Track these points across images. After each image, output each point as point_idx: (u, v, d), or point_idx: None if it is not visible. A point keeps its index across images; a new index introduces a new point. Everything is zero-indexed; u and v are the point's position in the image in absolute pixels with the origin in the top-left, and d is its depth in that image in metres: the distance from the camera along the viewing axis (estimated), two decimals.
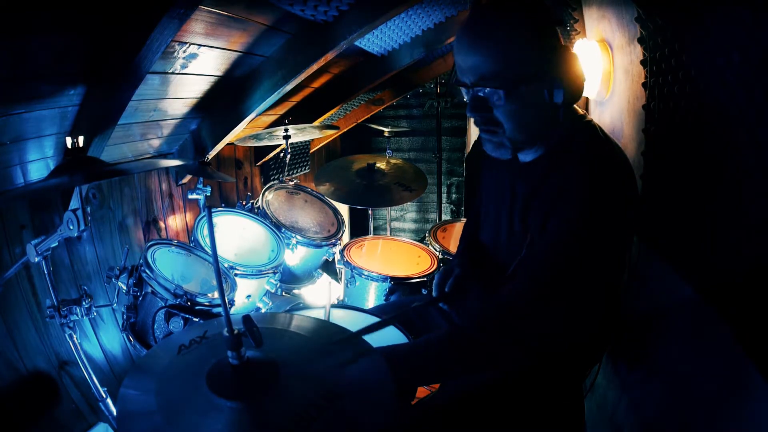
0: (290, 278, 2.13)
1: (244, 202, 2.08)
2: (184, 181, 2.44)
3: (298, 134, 2.36)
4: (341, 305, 1.49)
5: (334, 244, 2.15)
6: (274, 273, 1.79)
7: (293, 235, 2.00)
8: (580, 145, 0.95)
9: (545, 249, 0.93)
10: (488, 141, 0.98)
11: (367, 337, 0.83)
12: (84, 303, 1.30)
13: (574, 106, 1.02)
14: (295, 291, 2.18)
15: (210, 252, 1.05)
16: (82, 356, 1.31)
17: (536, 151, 1.02)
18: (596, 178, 0.90)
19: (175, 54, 1.53)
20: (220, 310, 1.41)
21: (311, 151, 3.50)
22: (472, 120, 0.99)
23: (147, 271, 1.38)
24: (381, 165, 2.46)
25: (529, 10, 0.88)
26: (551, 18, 0.91)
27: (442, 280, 1.19)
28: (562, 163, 0.95)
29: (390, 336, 1.30)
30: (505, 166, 1.10)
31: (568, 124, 0.98)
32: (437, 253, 2.12)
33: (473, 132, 3.65)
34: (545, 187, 0.97)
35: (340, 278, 2.08)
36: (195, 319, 1.31)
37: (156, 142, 2.10)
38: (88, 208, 1.23)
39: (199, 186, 1.96)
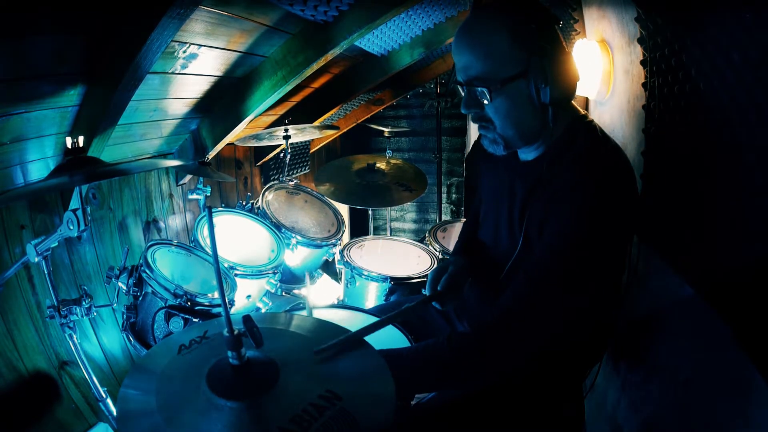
0: (290, 278, 2.13)
1: (244, 203, 2.07)
2: (184, 181, 2.44)
3: (298, 134, 2.36)
4: (340, 305, 1.48)
5: (334, 244, 2.15)
6: (275, 273, 1.79)
7: (293, 235, 2.00)
8: (578, 144, 0.95)
9: (544, 250, 0.93)
10: (484, 136, 1.02)
11: (367, 339, 0.83)
12: (84, 303, 1.30)
13: (575, 105, 1.02)
14: (295, 291, 2.18)
15: (210, 252, 1.05)
16: (82, 356, 1.31)
17: (536, 149, 1.02)
18: (594, 178, 0.89)
19: (175, 54, 1.53)
20: (220, 310, 1.41)
21: (311, 151, 3.50)
22: (471, 119, 1.02)
23: (147, 271, 1.38)
24: (381, 165, 2.46)
25: (516, 13, 0.90)
26: (543, 18, 0.91)
27: (435, 278, 1.16)
28: (561, 162, 0.95)
29: (390, 336, 1.29)
30: (505, 165, 1.10)
31: (567, 123, 0.98)
32: (437, 253, 2.12)
33: (473, 132, 3.65)
34: (543, 186, 0.97)
35: (340, 278, 2.08)
36: (195, 320, 1.31)
37: (156, 142, 2.10)
38: (88, 208, 1.23)
39: (199, 186, 1.96)
